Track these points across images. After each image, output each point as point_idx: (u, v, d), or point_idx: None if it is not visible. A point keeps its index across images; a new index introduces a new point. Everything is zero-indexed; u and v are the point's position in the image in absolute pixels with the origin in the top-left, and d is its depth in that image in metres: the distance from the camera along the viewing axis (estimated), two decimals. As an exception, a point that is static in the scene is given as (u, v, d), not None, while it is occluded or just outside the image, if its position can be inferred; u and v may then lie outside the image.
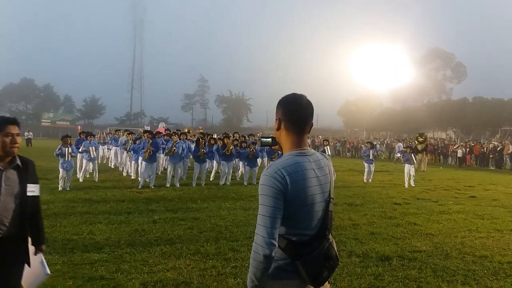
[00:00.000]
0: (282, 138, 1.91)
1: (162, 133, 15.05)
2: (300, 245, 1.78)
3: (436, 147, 29.85)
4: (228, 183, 12.52)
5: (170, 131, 14.44)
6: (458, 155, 25.51)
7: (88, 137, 12.47)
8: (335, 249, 1.93)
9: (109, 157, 18.56)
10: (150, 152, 11.27)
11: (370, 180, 14.42)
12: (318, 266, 1.79)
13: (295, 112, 1.87)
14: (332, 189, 1.95)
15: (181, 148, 12.06)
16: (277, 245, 1.71)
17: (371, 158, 14.60)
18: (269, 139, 2.07)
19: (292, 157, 1.81)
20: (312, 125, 1.94)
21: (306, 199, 1.77)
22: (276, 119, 1.92)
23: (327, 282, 1.92)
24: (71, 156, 10.42)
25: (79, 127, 51.26)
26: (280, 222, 1.72)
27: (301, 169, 1.78)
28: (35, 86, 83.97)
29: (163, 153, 13.51)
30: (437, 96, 65.48)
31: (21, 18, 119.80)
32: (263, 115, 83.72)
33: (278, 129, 1.92)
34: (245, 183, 12.68)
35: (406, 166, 13.39)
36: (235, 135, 15.59)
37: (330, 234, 1.92)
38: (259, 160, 14.13)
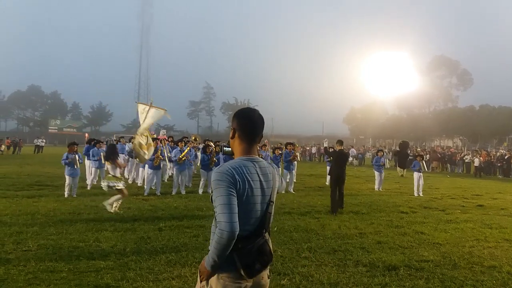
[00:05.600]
0: (235, 145, 2.20)
1: (166, 140, 15.09)
2: (239, 239, 1.97)
3: (442, 155, 29.64)
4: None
5: (172, 138, 14.44)
6: (475, 164, 25.10)
7: (97, 145, 12.55)
8: (270, 246, 2.16)
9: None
10: (160, 159, 11.35)
11: (380, 189, 14.31)
12: (251, 258, 2.02)
13: (247, 124, 2.17)
14: (274, 193, 2.21)
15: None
16: (238, 227, 1.93)
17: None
18: (230, 149, 2.29)
19: (241, 160, 2.10)
20: (262, 136, 2.25)
21: (248, 198, 2.03)
22: (232, 128, 2.21)
23: (267, 277, 2.19)
24: (79, 163, 10.49)
25: (86, 134, 51.69)
26: (237, 208, 1.95)
27: (247, 171, 2.06)
28: (43, 93, 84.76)
29: (169, 160, 13.51)
30: (443, 103, 65.28)
31: (30, 26, 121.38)
32: (269, 123, 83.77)
33: (233, 137, 2.21)
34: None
35: (416, 174, 13.27)
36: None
37: (267, 233, 2.16)
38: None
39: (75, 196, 10.40)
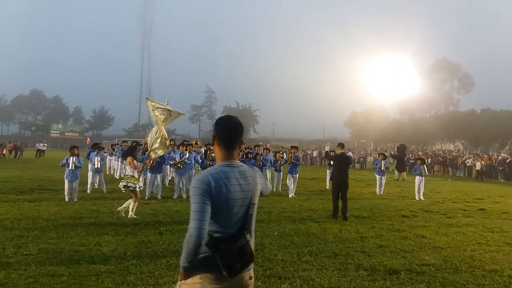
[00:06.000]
0: (216, 151, 2.31)
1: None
2: (221, 241, 2.10)
3: (443, 158, 29.59)
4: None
5: (174, 141, 14.44)
6: (476, 168, 24.97)
7: (97, 150, 12.59)
8: (252, 247, 2.23)
9: (116, 168, 18.64)
10: (152, 162, 11.13)
11: (381, 192, 14.24)
12: (233, 259, 2.10)
13: (226, 132, 2.28)
14: (255, 196, 2.29)
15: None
16: (206, 234, 2.04)
17: (383, 169, 14.40)
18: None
19: (220, 167, 2.21)
20: (242, 142, 2.36)
21: (228, 202, 2.13)
22: (212, 136, 2.32)
23: (249, 278, 2.22)
24: (75, 167, 10.45)
25: (88, 138, 51.81)
26: (209, 216, 2.06)
27: (226, 176, 2.16)
28: (45, 97, 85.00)
29: (169, 164, 13.48)
30: (445, 107, 65.19)
31: (30, 28, 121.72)
32: (270, 126, 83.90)
33: (213, 144, 2.32)
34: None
35: (417, 178, 13.23)
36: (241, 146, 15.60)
37: (249, 234, 2.22)
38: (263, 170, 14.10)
39: (76, 200, 10.40)
